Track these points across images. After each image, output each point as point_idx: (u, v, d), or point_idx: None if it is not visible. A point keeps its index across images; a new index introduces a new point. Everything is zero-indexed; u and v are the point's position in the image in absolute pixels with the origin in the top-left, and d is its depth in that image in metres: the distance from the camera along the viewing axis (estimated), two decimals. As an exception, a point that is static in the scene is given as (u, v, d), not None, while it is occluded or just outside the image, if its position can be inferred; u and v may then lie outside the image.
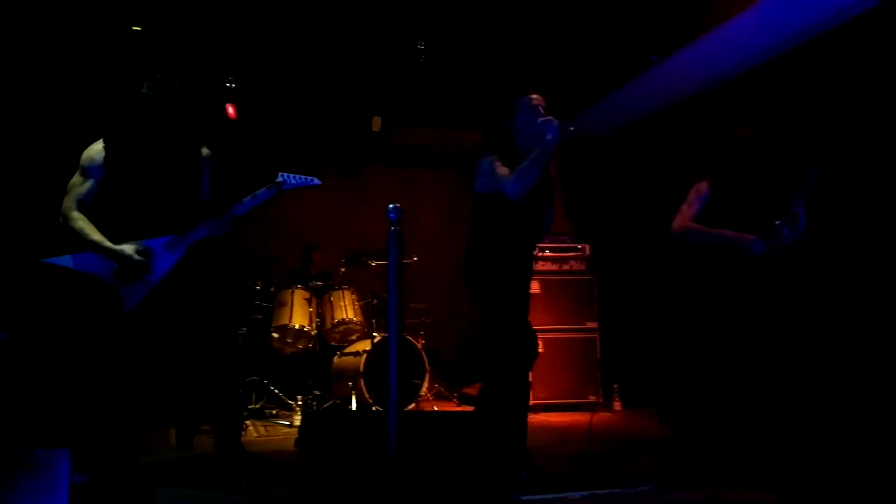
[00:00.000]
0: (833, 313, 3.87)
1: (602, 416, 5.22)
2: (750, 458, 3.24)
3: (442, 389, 5.96)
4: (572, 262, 5.66)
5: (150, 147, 3.06)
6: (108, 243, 2.96)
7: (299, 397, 5.14)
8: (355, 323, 5.53)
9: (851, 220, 3.97)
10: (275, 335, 5.41)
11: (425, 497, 2.32)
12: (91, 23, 4.73)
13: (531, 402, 4.94)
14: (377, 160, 7.11)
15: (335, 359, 5.49)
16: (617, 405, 5.48)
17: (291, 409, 5.08)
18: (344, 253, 5.84)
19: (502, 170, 3.02)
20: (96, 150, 3.04)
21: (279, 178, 3.16)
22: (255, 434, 4.55)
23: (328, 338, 5.58)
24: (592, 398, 5.43)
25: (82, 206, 3.01)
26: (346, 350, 5.44)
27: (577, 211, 7.21)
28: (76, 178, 3.05)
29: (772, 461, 3.21)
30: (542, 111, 3.12)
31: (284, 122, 6.64)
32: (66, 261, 2.95)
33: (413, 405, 5.17)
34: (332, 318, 5.48)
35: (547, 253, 5.60)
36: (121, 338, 2.92)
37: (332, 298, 5.54)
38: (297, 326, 5.34)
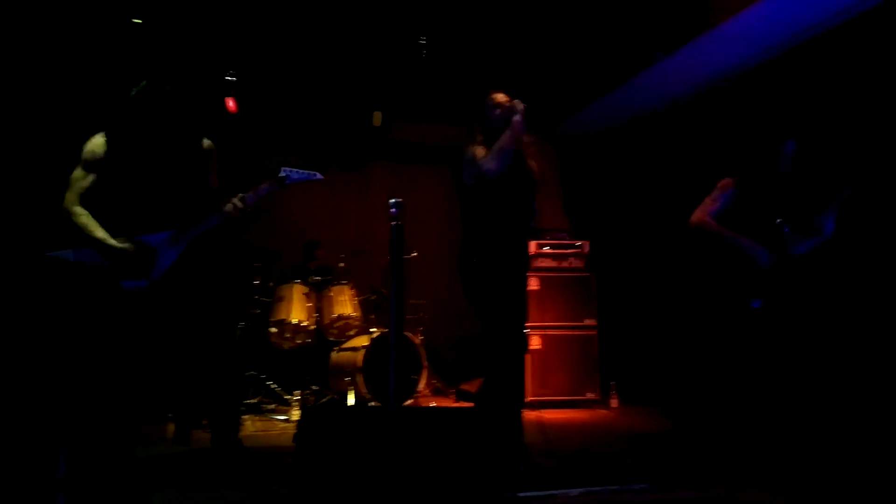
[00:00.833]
0: (844, 316, 3.87)
1: (599, 414, 5.23)
2: (756, 458, 3.24)
3: (439, 385, 5.96)
4: (571, 259, 5.66)
5: (152, 140, 3.05)
6: (111, 240, 2.95)
7: (297, 392, 5.14)
8: (354, 318, 5.53)
9: (851, 220, 3.96)
10: (273, 330, 5.42)
11: (423, 492, 2.33)
12: (92, 15, 4.72)
13: (528, 399, 4.97)
14: (378, 156, 7.12)
15: (333, 354, 5.49)
16: (614, 402, 5.48)
17: (289, 405, 5.07)
18: (344, 248, 5.84)
19: (480, 151, 3.15)
20: (98, 143, 3.02)
21: (282, 173, 3.17)
22: (252, 429, 4.55)
23: (326, 333, 5.59)
24: (591, 395, 5.44)
25: (85, 200, 3.00)
26: (345, 345, 5.43)
27: (577, 208, 7.22)
28: (78, 172, 3.03)
29: (780, 464, 3.20)
30: (506, 104, 3.23)
31: (285, 117, 6.64)
32: (66, 255, 2.94)
33: (411, 401, 5.17)
34: (331, 314, 5.49)
35: (546, 250, 5.61)
36: (121, 332, 2.91)
37: (330, 294, 5.55)
38: (295, 321, 5.34)
